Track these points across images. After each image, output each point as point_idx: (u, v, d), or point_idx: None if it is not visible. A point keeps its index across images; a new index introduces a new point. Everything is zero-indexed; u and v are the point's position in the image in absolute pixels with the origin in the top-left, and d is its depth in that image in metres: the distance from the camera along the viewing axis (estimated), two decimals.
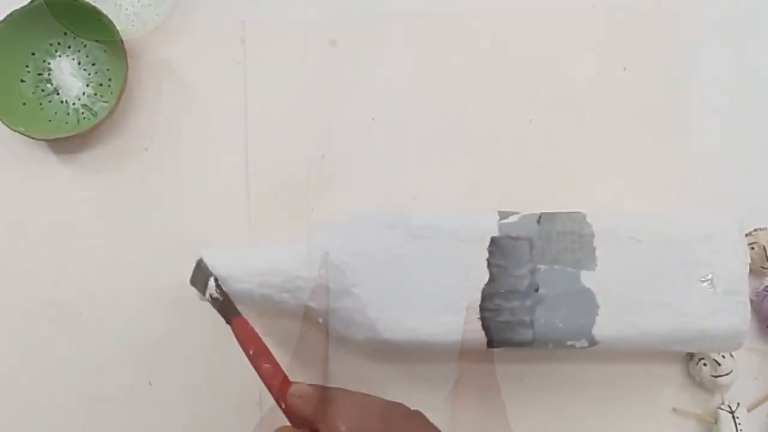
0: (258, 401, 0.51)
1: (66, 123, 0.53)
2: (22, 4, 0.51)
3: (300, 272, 0.45)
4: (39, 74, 0.54)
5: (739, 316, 0.44)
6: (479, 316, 0.44)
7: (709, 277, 0.44)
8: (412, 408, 0.42)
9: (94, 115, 0.53)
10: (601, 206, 0.51)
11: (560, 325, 0.44)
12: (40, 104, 0.53)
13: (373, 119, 0.54)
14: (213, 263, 0.46)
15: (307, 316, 0.48)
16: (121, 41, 0.51)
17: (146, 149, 0.54)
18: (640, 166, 0.53)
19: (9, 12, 0.51)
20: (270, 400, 0.41)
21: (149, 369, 0.52)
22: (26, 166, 0.53)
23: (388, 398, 0.41)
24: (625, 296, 0.44)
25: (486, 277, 0.44)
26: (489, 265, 0.44)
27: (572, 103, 0.54)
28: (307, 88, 0.54)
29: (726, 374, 0.49)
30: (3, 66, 0.52)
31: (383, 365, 0.51)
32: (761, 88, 0.54)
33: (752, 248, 0.50)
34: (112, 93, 0.53)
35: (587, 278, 0.44)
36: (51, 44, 0.54)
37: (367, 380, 0.51)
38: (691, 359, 0.51)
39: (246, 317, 0.44)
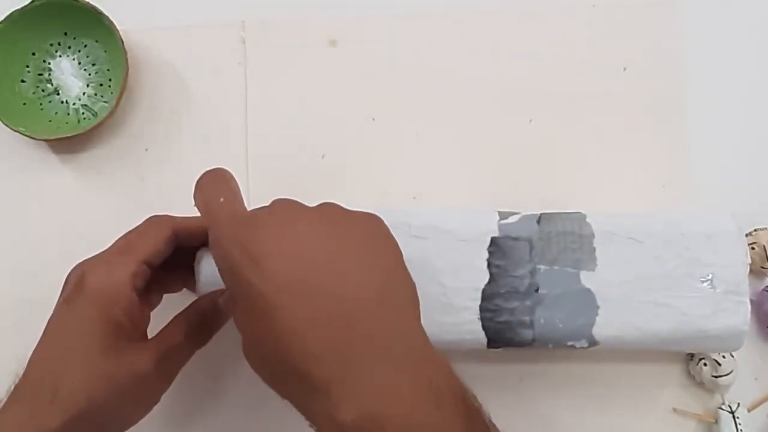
0: (259, 400, 0.51)
1: (66, 123, 0.53)
2: (22, 4, 0.51)
3: None
4: (39, 74, 0.54)
5: (739, 316, 0.44)
6: (479, 316, 0.44)
7: (709, 277, 0.44)
8: None
9: (94, 115, 0.53)
10: (601, 206, 0.51)
11: (560, 325, 0.44)
12: (41, 104, 0.53)
13: (373, 119, 0.54)
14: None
15: None
16: (122, 41, 0.51)
17: (146, 149, 0.54)
18: (640, 166, 0.53)
19: (9, 12, 0.51)
20: None
21: None
22: (26, 166, 0.53)
23: None
24: (625, 296, 0.44)
25: (486, 278, 0.44)
26: (489, 265, 0.44)
27: (572, 103, 0.54)
28: (307, 88, 0.54)
29: (726, 374, 0.49)
30: (3, 66, 0.52)
31: None
32: (761, 88, 0.54)
33: (752, 248, 0.50)
34: (112, 93, 0.53)
35: (587, 278, 0.44)
36: (51, 44, 0.54)
37: None
38: (691, 359, 0.50)
39: None
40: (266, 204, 0.38)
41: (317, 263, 0.35)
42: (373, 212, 0.38)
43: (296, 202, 0.38)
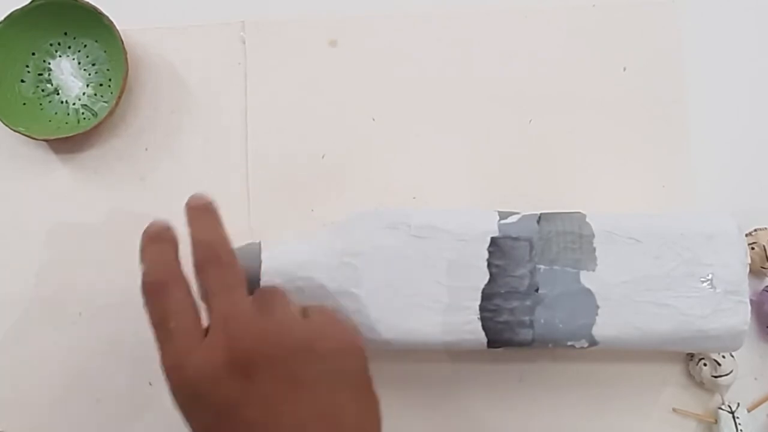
0: None
1: (66, 123, 0.53)
2: (22, 4, 0.51)
3: (300, 273, 0.45)
4: (39, 74, 0.54)
5: (739, 316, 0.44)
6: (479, 316, 0.44)
7: (709, 277, 0.44)
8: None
9: (94, 115, 0.53)
10: (601, 206, 0.51)
11: (560, 325, 0.44)
12: (40, 104, 0.53)
13: (373, 119, 0.54)
14: None
15: None
16: (122, 41, 0.51)
17: (146, 149, 0.54)
18: (640, 166, 0.53)
19: (9, 12, 0.51)
20: None
21: (149, 369, 0.51)
22: (26, 166, 0.54)
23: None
24: (625, 296, 0.44)
25: (486, 278, 0.44)
26: (489, 265, 0.44)
27: (572, 103, 0.54)
28: (307, 88, 0.54)
29: (726, 374, 0.49)
30: (3, 66, 0.52)
31: (383, 365, 0.51)
32: (761, 88, 0.54)
33: (752, 248, 0.50)
34: (112, 93, 0.53)
35: (587, 278, 0.44)
36: (51, 44, 0.54)
37: None
38: (691, 359, 0.51)
39: None
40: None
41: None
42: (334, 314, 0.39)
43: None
